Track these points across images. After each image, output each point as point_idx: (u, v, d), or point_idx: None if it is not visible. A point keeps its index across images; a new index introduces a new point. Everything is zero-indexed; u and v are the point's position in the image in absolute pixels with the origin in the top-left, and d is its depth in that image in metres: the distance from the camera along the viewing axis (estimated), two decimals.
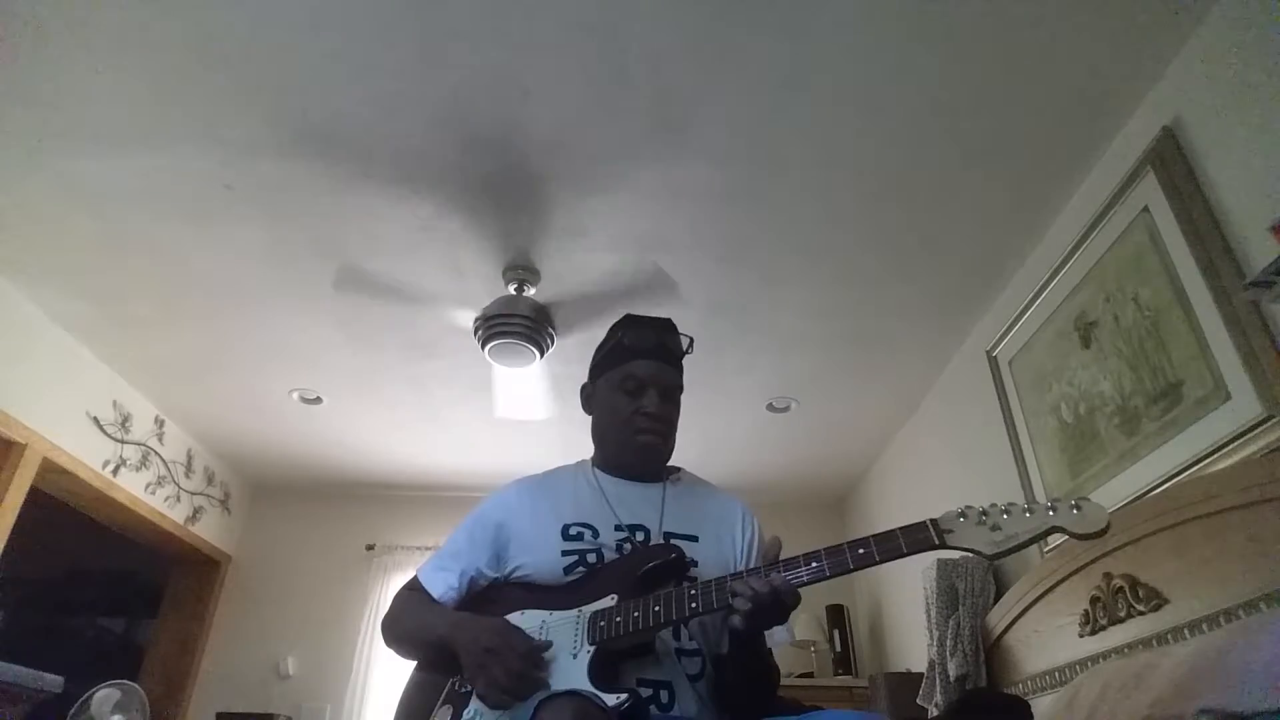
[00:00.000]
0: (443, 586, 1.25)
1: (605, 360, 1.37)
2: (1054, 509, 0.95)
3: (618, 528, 1.23)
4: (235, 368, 3.38)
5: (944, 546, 0.98)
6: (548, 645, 1.08)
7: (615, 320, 1.39)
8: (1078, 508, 0.94)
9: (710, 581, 1.07)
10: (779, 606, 1.01)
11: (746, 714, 1.11)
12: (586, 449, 1.44)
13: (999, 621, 2.49)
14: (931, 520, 0.99)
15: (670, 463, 1.38)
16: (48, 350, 3.03)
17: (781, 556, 1.07)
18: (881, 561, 0.99)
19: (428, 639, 1.19)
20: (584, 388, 1.43)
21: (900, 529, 1.00)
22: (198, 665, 4.17)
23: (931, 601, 2.71)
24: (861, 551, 1.00)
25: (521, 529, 1.25)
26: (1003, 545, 0.95)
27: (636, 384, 1.30)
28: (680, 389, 1.36)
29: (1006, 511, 0.97)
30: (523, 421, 3.75)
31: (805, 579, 1.02)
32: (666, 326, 1.37)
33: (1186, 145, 1.85)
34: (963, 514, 0.98)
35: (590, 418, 1.41)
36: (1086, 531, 0.93)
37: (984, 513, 0.98)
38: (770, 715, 1.09)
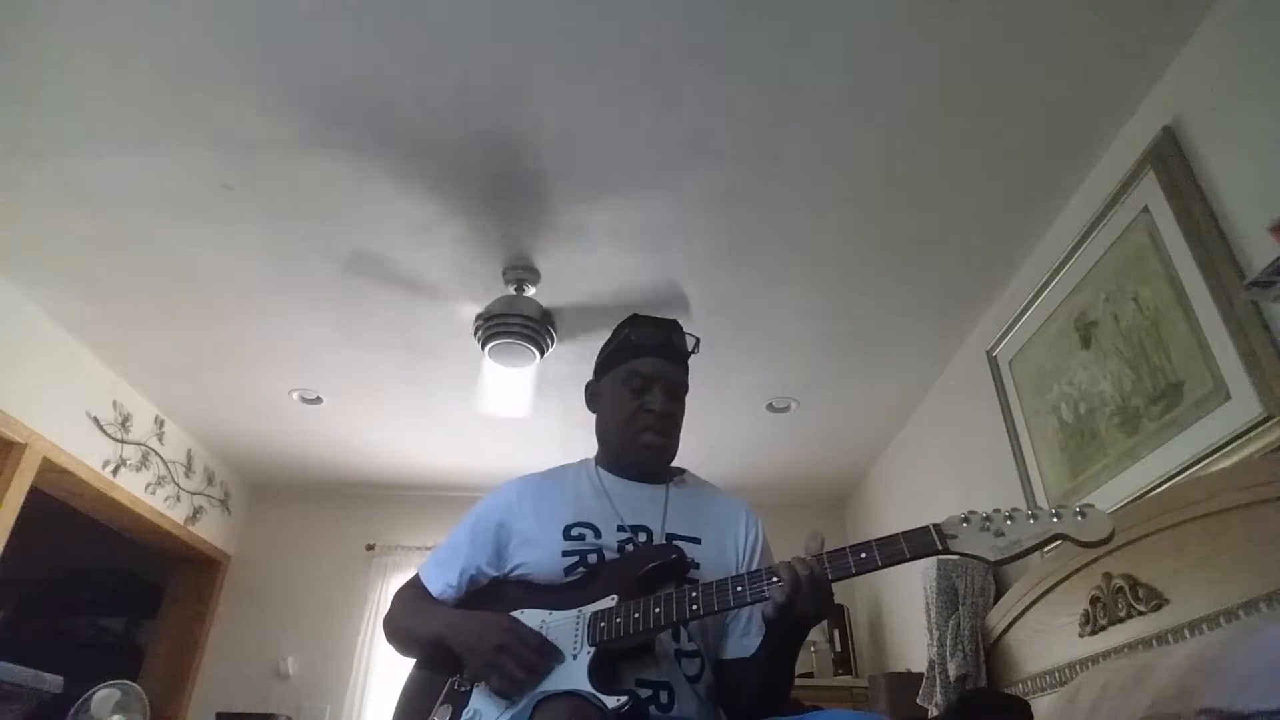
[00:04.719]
0: (441, 584, 1.25)
1: (611, 357, 1.36)
2: (1058, 515, 0.94)
3: (620, 528, 1.22)
4: (235, 368, 3.38)
5: (947, 552, 0.96)
6: (552, 647, 1.09)
7: (617, 319, 1.39)
8: (1082, 514, 0.93)
9: (711, 583, 1.06)
10: (816, 596, 0.99)
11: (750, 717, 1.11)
12: (586, 449, 1.44)
13: (999, 621, 2.49)
14: (935, 525, 0.98)
15: (673, 464, 1.38)
16: (48, 350, 3.03)
17: (780, 559, 1.07)
18: (884, 566, 0.98)
19: (424, 638, 1.20)
20: (589, 385, 1.42)
21: (903, 533, 0.99)
22: (198, 665, 4.17)
23: (931, 601, 2.71)
24: (864, 555, 0.99)
25: (523, 527, 1.25)
26: (1006, 551, 0.94)
27: (642, 381, 1.29)
28: (685, 388, 1.35)
29: (1010, 517, 0.95)
30: (523, 421, 3.75)
31: None
32: (673, 326, 1.36)
33: (1186, 145, 1.85)
34: (966, 519, 0.97)
35: (594, 416, 1.40)
36: (1091, 539, 0.92)
37: (988, 518, 0.96)
38: (770, 716, 1.09)
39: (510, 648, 1.06)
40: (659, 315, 1.39)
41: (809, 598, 0.99)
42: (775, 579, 1.01)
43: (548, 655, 1.07)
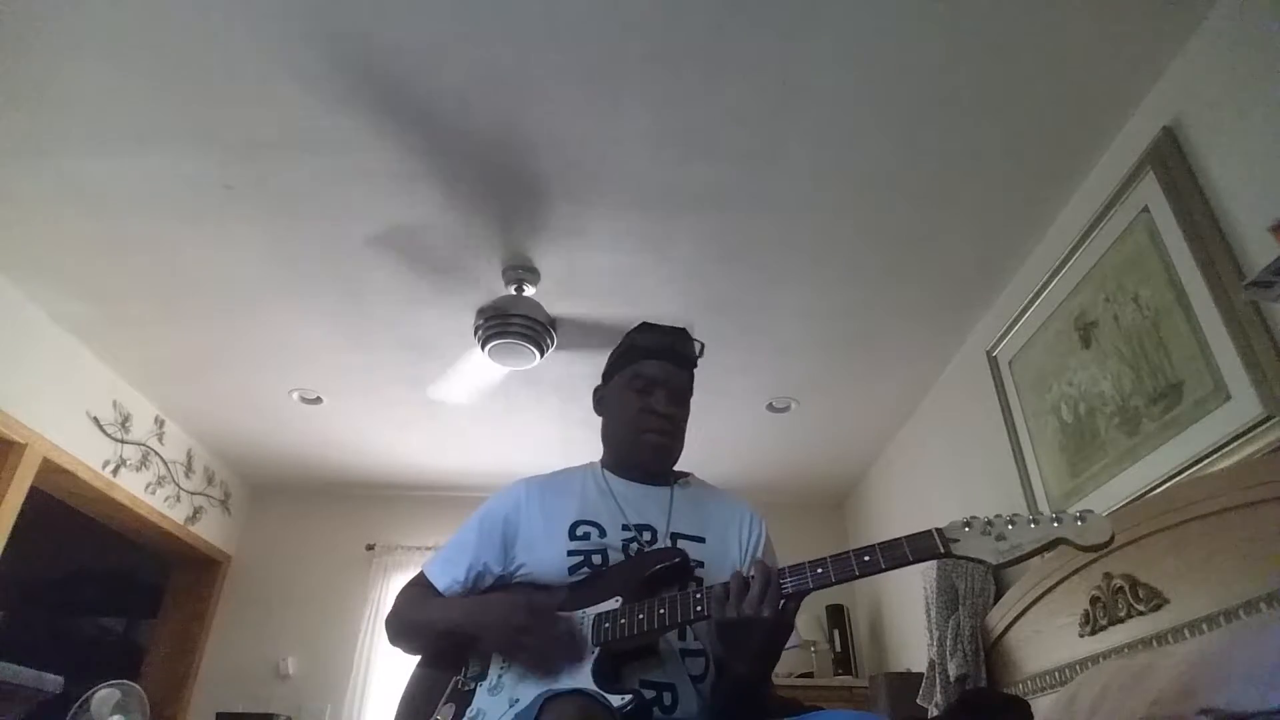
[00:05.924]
0: (448, 580, 1.24)
1: (617, 362, 1.38)
2: (1059, 520, 0.95)
3: (625, 527, 1.23)
4: (235, 368, 3.38)
5: (949, 555, 0.98)
6: (566, 614, 1.10)
7: (617, 320, 1.40)
8: (1082, 519, 0.94)
9: (715, 585, 1.06)
10: (754, 612, 0.99)
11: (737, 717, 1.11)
12: (585, 450, 1.45)
13: (999, 621, 2.49)
14: (937, 529, 0.99)
15: (677, 466, 1.38)
16: (48, 350, 3.03)
17: (781, 560, 1.07)
18: (888, 569, 0.99)
19: (439, 629, 1.20)
20: (596, 390, 1.44)
21: (906, 537, 1.00)
22: (198, 665, 4.17)
23: (931, 601, 2.72)
24: (867, 559, 1.00)
25: (529, 526, 1.26)
26: (1007, 555, 0.95)
27: (645, 383, 1.31)
28: (690, 392, 1.37)
29: (1011, 522, 0.97)
30: (522, 422, 3.76)
31: (811, 585, 1.01)
32: (679, 333, 1.38)
33: (1186, 145, 1.85)
34: (968, 523, 0.99)
35: (600, 421, 1.42)
36: (1091, 544, 0.93)
37: (989, 523, 0.98)
38: (768, 716, 1.09)
39: (534, 628, 1.07)
40: (661, 318, 1.41)
41: (734, 606, 1.00)
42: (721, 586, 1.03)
43: (571, 642, 1.09)
